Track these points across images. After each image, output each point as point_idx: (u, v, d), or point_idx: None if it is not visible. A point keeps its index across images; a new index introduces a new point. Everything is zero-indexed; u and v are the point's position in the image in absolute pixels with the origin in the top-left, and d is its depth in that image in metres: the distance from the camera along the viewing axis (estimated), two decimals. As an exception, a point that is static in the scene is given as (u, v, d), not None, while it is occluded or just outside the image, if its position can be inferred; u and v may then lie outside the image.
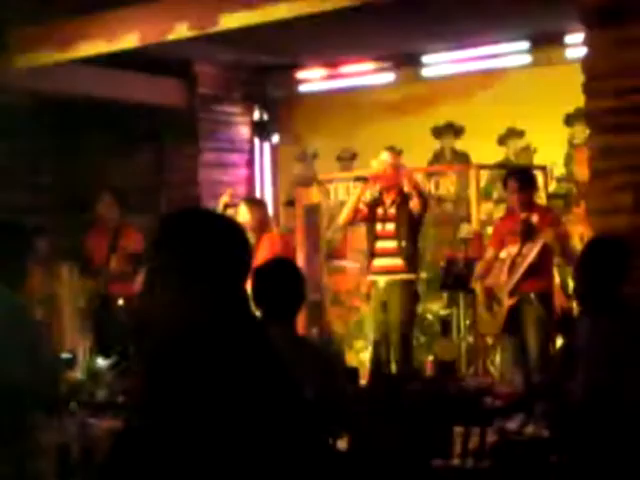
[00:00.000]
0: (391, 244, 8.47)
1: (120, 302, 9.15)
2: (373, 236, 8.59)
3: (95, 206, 9.58)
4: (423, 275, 9.46)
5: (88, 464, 3.28)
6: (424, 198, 8.63)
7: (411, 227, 8.48)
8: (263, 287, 4.41)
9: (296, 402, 2.53)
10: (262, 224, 8.68)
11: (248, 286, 2.69)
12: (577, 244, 9.21)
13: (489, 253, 8.44)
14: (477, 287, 8.39)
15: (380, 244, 8.54)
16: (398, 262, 8.42)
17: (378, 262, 8.53)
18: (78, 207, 10.52)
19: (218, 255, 2.53)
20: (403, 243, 8.41)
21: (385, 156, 8.63)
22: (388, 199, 8.54)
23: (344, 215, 8.77)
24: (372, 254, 8.60)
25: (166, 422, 2.37)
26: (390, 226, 8.50)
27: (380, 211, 8.56)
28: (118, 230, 9.48)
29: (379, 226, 8.55)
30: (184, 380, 2.40)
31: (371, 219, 8.60)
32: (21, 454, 3.34)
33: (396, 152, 9.59)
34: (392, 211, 8.50)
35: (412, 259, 8.48)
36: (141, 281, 2.61)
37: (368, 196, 8.72)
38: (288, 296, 4.42)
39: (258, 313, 4.35)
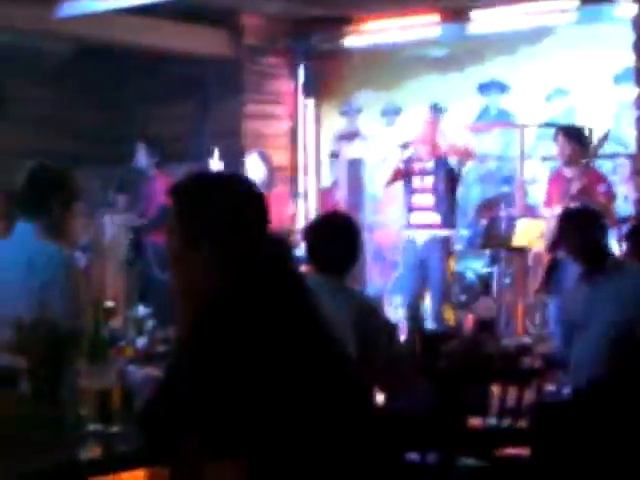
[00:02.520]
0: (428, 199, 8.39)
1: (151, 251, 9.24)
2: (410, 191, 8.52)
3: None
4: (465, 233, 9.42)
5: (128, 410, 3.33)
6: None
7: (449, 181, 8.39)
8: (316, 243, 4.35)
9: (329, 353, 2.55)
10: (273, 178, 8.57)
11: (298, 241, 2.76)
12: (621, 205, 9.14)
13: (548, 214, 8.33)
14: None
15: (417, 199, 8.46)
16: (435, 217, 8.35)
17: (415, 217, 8.46)
18: (120, 156, 10.56)
19: (237, 216, 2.58)
20: (440, 197, 8.32)
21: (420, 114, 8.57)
22: (426, 153, 8.43)
23: (387, 177, 8.67)
24: (409, 209, 8.53)
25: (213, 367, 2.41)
26: (428, 180, 8.41)
27: (418, 165, 8.47)
28: (152, 180, 9.54)
29: (417, 181, 8.46)
30: (227, 336, 2.44)
31: (409, 174, 8.51)
32: (63, 400, 3.38)
33: (438, 109, 9.50)
34: (430, 165, 8.41)
35: (449, 214, 8.40)
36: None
37: (405, 154, 8.61)
38: (341, 252, 4.32)
39: (310, 268, 4.31)
